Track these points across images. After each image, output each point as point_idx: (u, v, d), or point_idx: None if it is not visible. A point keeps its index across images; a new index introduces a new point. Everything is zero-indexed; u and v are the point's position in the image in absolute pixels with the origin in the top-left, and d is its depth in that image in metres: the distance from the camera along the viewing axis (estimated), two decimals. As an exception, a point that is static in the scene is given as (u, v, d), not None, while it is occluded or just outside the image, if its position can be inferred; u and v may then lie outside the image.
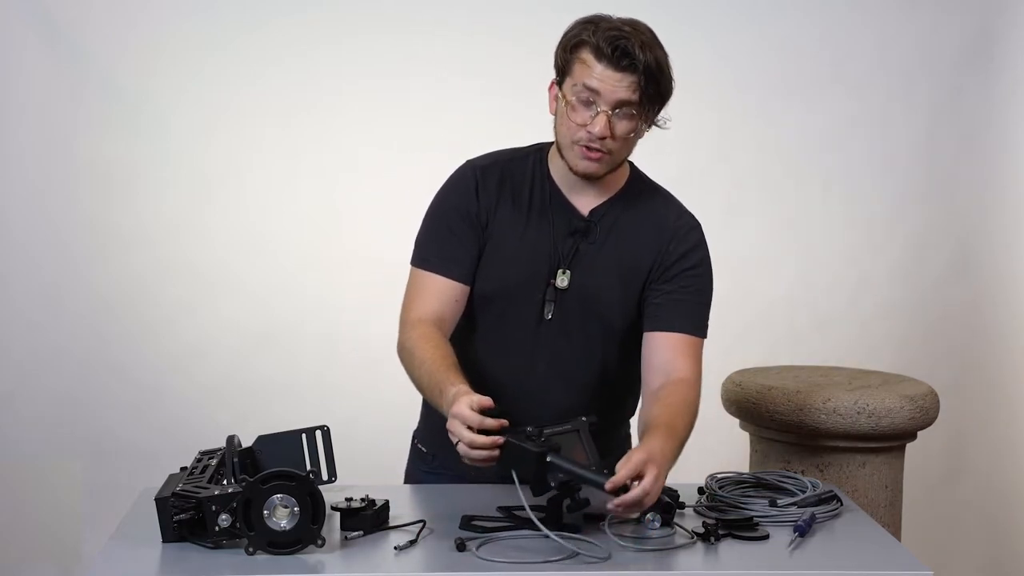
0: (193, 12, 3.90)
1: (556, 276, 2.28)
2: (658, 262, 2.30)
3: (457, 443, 2.00)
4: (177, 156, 3.93)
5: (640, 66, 2.12)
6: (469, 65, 3.94)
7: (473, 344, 2.34)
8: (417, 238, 2.36)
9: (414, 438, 2.55)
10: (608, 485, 1.94)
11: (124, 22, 3.87)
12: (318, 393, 3.91)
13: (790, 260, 4.16)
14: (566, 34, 2.20)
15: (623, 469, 1.95)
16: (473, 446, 1.98)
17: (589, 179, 2.25)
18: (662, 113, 2.22)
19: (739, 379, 3.04)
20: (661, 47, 2.17)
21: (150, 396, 3.92)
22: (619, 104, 2.15)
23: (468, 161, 2.36)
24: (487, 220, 2.30)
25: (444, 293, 2.29)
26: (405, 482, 2.52)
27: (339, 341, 3.95)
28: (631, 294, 2.31)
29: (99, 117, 3.88)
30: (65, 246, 3.90)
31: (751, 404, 2.94)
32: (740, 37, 4.06)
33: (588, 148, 2.18)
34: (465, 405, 2.00)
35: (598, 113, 2.15)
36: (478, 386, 2.09)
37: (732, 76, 4.06)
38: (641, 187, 2.35)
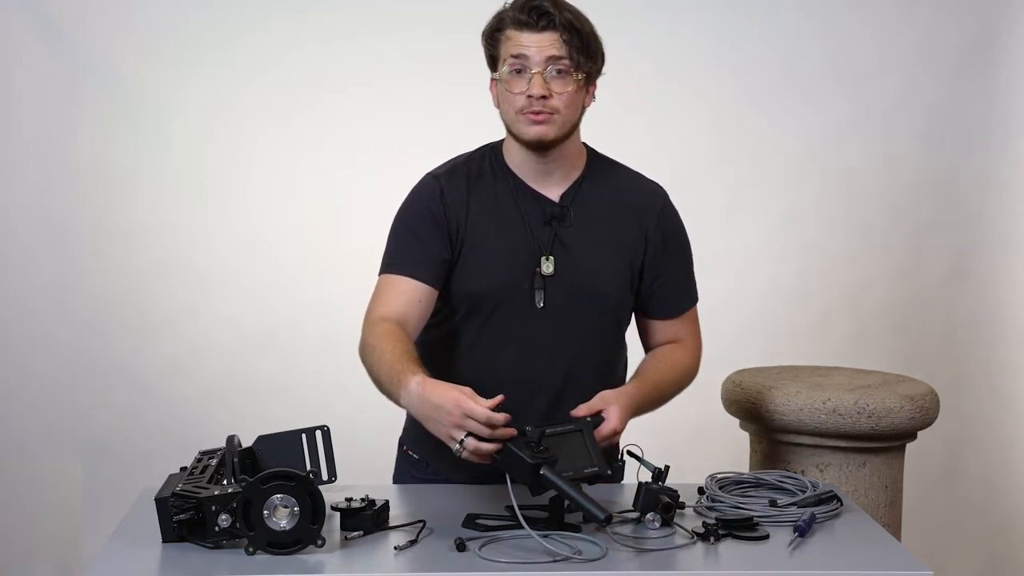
0: (193, 12, 3.90)
1: (540, 264, 2.30)
2: (647, 244, 2.35)
3: (462, 439, 1.98)
4: (177, 156, 3.93)
5: (558, 20, 2.21)
6: (469, 65, 3.91)
7: (468, 342, 2.34)
8: (384, 250, 2.36)
9: (401, 444, 2.52)
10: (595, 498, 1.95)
11: (124, 22, 3.87)
12: (318, 393, 3.91)
13: (790, 260, 4.16)
14: (485, 28, 2.30)
15: (581, 406, 2.14)
16: (493, 439, 1.97)
17: (544, 149, 2.27)
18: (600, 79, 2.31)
19: (739, 379, 3.03)
20: (577, 10, 2.25)
21: (150, 396, 3.92)
22: (548, 61, 2.22)
23: (427, 173, 2.39)
24: (458, 225, 2.31)
25: (408, 294, 2.27)
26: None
27: (339, 341, 3.90)
28: (618, 269, 2.34)
29: (99, 117, 3.88)
30: (65, 246, 3.90)
31: (751, 404, 2.93)
32: (740, 37, 4.06)
33: (532, 113, 2.23)
34: (473, 402, 1.98)
35: (532, 76, 2.21)
36: (475, 380, 2.07)
37: (732, 76, 4.06)
38: (602, 165, 2.40)
